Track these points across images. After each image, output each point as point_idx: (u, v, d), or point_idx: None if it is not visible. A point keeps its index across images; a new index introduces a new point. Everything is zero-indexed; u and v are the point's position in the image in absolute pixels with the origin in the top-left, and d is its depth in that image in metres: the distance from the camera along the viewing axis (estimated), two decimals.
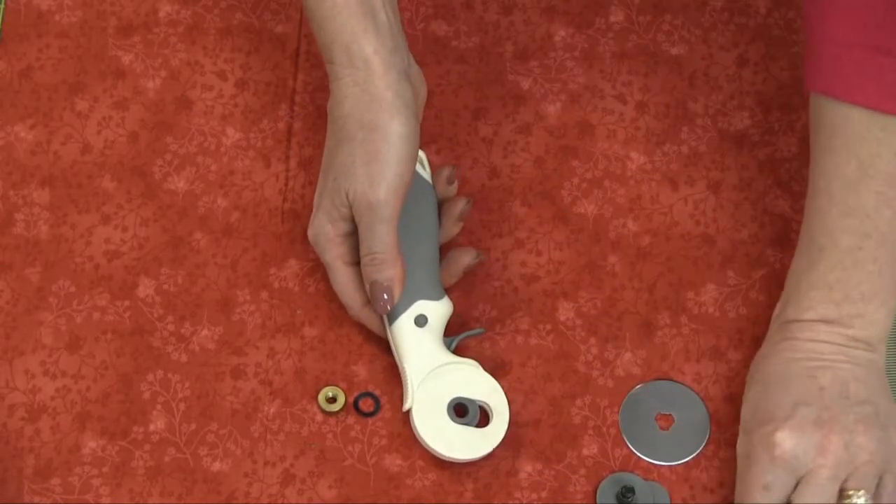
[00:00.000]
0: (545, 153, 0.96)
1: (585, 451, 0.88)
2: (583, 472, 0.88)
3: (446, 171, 0.90)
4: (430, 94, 0.96)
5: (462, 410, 0.86)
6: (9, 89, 0.97)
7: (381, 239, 0.84)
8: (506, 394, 0.89)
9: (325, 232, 0.87)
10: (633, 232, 0.94)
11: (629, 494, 0.86)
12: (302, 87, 0.97)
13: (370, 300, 0.86)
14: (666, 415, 0.89)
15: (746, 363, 0.90)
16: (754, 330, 0.91)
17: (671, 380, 0.89)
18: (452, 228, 0.90)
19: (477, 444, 0.85)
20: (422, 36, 0.99)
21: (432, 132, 0.96)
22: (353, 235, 0.86)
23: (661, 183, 0.95)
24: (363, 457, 0.88)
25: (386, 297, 0.85)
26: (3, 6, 1.00)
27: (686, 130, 0.96)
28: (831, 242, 0.84)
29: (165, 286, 0.92)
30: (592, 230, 0.94)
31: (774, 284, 0.92)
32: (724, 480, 0.88)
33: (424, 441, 0.85)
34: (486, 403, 0.86)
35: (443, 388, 0.86)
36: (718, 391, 0.90)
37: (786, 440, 0.82)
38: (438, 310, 0.87)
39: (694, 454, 0.88)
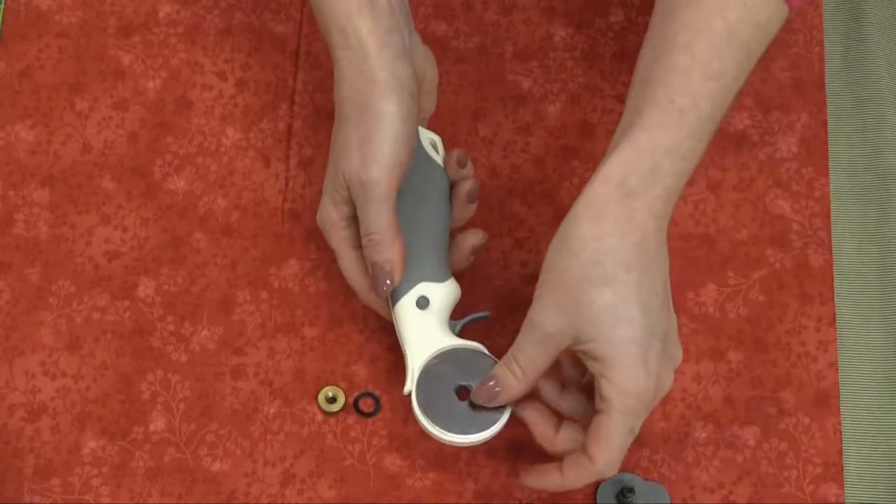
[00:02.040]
0: (545, 153, 0.96)
1: None
2: None
3: (456, 154, 0.88)
4: None
5: (465, 394, 0.84)
6: (9, 89, 0.97)
7: (376, 219, 0.83)
8: None
9: (330, 216, 0.86)
10: None
11: (629, 494, 0.86)
12: (302, 87, 0.97)
13: (371, 282, 0.86)
14: (464, 386, 0.84)
15: (746, 363, 0.90)
16: (754, 330, 0.91)
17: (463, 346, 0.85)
18: (463, 211, 0.89)
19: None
20: (422, 36, 0.99)
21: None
22: (357, 219, 0.86)
23: None
24: (363, 457, 0.88)
25: (387, 280, 0.85)
26: (3, 6, 1.00)
27: None
28: (693, 106, 0.78)
29: (165, 286, 0.92)
30: None
31: (775, 285, 0.92)
32: (723, 480, 0.88)
33: (423, 424, 0.83)
34: None
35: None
36: (718, 391, 0.90)
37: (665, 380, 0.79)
38: (442, 292, 0.86)
39: (497, 424, 0.83)
